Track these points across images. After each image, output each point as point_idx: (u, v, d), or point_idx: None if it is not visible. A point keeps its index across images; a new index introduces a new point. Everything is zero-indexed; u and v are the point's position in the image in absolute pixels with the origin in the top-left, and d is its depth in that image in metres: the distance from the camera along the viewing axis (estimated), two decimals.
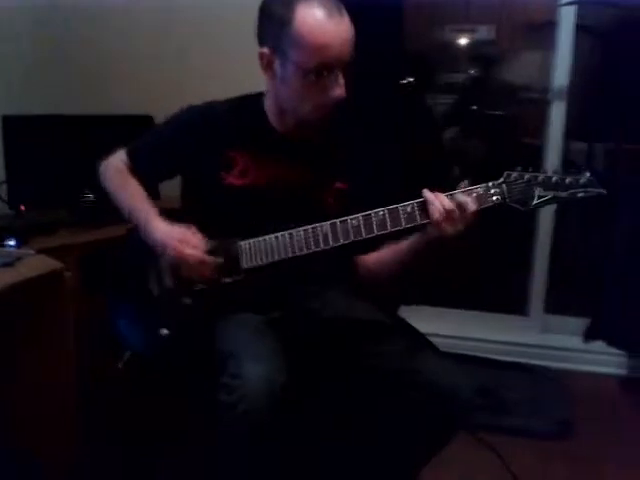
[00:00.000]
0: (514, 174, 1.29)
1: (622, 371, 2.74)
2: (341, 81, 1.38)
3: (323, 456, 1.69)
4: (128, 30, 2.82)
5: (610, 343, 2.74)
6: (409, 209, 1.34)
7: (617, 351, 2.73)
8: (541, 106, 2.78)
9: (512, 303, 3.02)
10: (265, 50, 1.41)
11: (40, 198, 2.50)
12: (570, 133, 2.77)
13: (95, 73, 2.87)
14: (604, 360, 2.76)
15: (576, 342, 2.81)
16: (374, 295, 1.67)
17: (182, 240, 1.44)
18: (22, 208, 2.38)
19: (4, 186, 2.42)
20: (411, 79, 2.88)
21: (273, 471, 1.43)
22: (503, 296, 3.09)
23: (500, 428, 2.29)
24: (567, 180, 1.27)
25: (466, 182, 1.32)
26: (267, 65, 1.43)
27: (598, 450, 2.19)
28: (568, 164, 1.33)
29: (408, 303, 2.76)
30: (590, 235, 2.88)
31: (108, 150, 1.68)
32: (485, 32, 3.22)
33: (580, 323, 2.83)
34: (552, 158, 2.72)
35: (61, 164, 2.51)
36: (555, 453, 2.18)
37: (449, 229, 1.30)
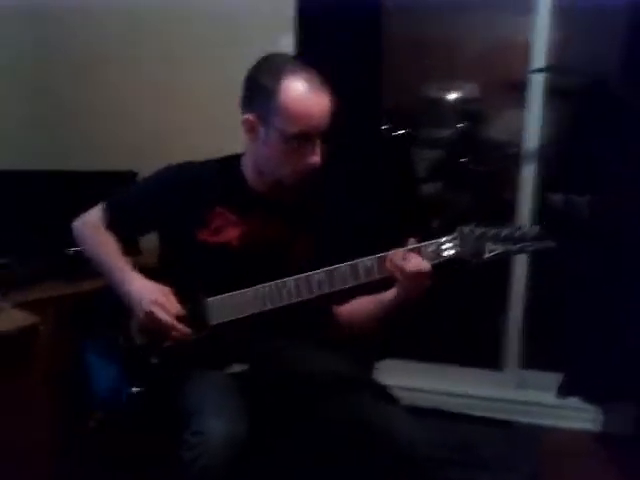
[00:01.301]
0: (466, 229, 1.34)
1: (596, 427, 2.73)
2: (318, 149, 1.48)
3: None
4: (112, 83, 2.91)
5: (585, 399, 2.76)
6: (369, 264, 1.39)
7: (591, 407, 2.73)
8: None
9: (487, 358, 3.02)
10: (250, 116, 1.51)
11: (21, 252, 2.50)
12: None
13: (79, 129, 2.94)
14: (579, 416, 2.75)
15: (551, 397, 2.81)
16: (349, 346, 1.71)
17: (155, 302, 1.48)
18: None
19: None
20: (404, 130, 2.97)
21: None
22: (478, 351, 3.09)
23: None
24: (517, 234, 1.31)
25: (412, 240, 1.38)
26: (250, 129, 1.53)
27: None
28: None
29: (383, 357, 2.77)
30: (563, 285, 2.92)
31: (90, 206, 1.73)
32: (469, 89, 3.32)
33: (555, 378, 2.83)
34: (524, 214, 2.77)
35: (43, 218, 2.54)
36: None
37: (416, 287, 1.37)
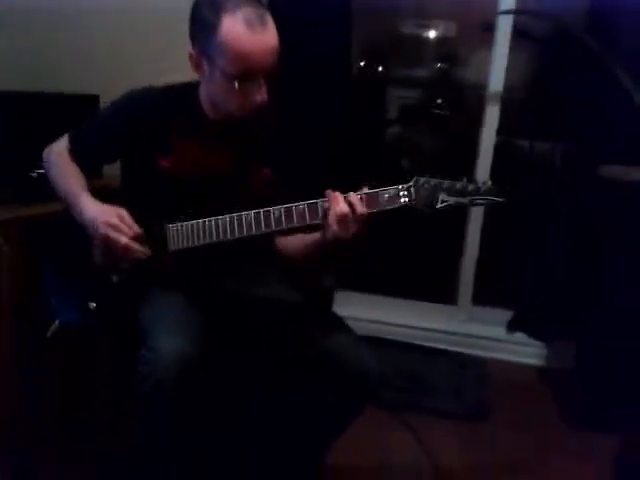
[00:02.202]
0: (422, 179, 1.39)
1: (540, 361, 2.90)
2: (263, 88, 1.47)
3: (236, 428, 1.80)
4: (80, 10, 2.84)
5: (530, 335, 2.92)
6: (326, 205, 1.41)
7: (536, 342, 2.90)
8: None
9: (443, 293, 3.15)
10: (194, 52, 1.49)
11: None
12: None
13: (45, 51, 2.88)
14: (525, 351, 2.92)
15: (500, 332, 2.97)
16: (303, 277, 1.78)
17: (109, 224, 1.51)
18: None
19: None
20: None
21: (190, 438, 1.55)
22: (435, 286, 3.22)
23: (421, 408, 2.43)
24: (469, 187, 1.37)
25: (366, 188, 1.41)
26: (195, 65, 1.51)
27: (513, 434, 2.32)
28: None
29: (337, 288, 2.86)
30: (518, 229, 3.03)
31: (54, 128, 1.73)
32: (445, 28, 3.30)
33: (505, 315, 2.98)
34: (485, 157, 2.83)
35: (7, 141, 2.52)
36: (472, 435, 2.32)
37: (341, 232, 1.38)
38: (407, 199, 1.39)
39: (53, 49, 2.88)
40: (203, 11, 1.45)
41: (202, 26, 1.45)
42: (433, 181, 1.38)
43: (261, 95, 1.48)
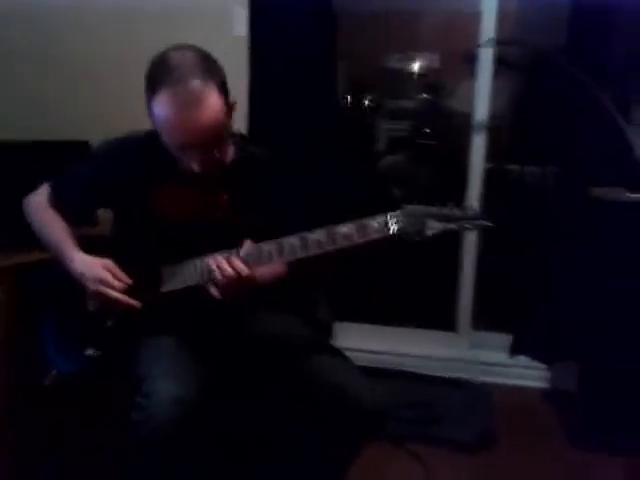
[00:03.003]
0: (410, 207, 1.40)
1: (544, 384, 2.89)
2: (200, 158, 1.49)
3: (239, 468, 1.79)
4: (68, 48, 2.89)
5: (533, 357, 2.91)
6: (319, 237, 1.42)
7: (539, 365, 2.88)
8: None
9: (442, 320, 3.14)
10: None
11: None
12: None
13: (32, 97, 2.93)
14: (528, 374, 2.91)
15: (502, 357, 2.94)
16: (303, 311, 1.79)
17: (99, 280, 1.54)
18: None
19: None
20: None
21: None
22: (434, 313, 3.22)
23: (425, 438, 2.40)
24: (457, 213, 1.39)
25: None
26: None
27: (520, 459, 2.30)
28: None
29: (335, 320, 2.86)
30: (514, 253, 3.04)
31: (46, 175, 1.76)
32: (429, 60, 3.36)
33: (506, 339, 2.96)
34: (474, 184, 2.86)
35: (1, 189, 2.55)
36: (479, 463, 2.29)
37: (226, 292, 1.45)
38: (396, 227, 1.40)
39: (41, 96, 2.92)
40: (150, 73, 1.48)
41: (147, 88, 1.48)
42: (421, 208, 1.40)
43: (197, 166, 1.50)
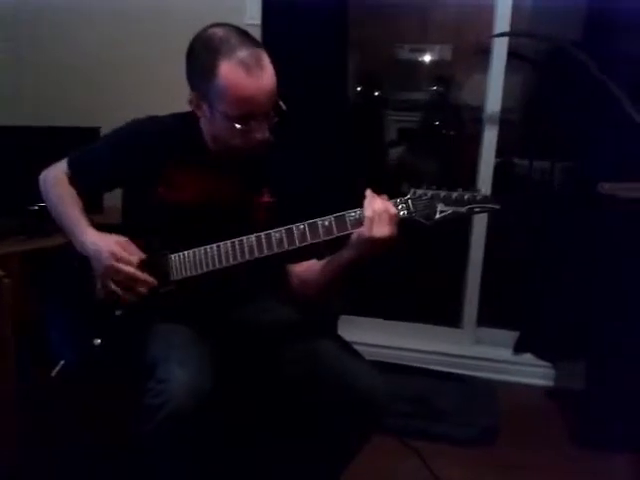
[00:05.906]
0: (419, 191, 1.39)
1: (548, 382, 2.86)
2: (264, 127, 1.48)
3: (248, 458, 1.77)
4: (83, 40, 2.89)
5: (538, 355, 2.89)
6: (327, 223, 1.41)
7: (544, 363, 2.87)
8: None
9: (447, 316, 3.13)
10: (193, 96, 1.51)
11: None
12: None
13: (46, 84, 2.93)
14: (532, 371, 2.89)
15: (506, 354, 2.94)
16: (304, 303, 1.76)
17: (113, 254, 1.51)
18: None
19: None
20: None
21: (199, 472, 1.51)
22: (439, 309, 3.20)
23: (427, 434, 2.38)
24: (466, 197, 1.37)
25: (369, 191, 1.41)
26: (196, 107, 1.53)
27: (523, 456, 2.28)
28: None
29: (344, 313, 2.85)
30: (520, 250, 3.02)
31: (55, 162, 1.73)
32: (441, 52, 3.33)
33: (511, 336, 2.96)
34: (485, 177, 2.83)
35: (8, 175, 2.55)
36: (481, 460, 2.27)
37: (378, 231, 1.36)
38: (406, 212, 1.39)
39: (54, 82, 2.93)
40: (199, 55, 1.47)
41: (199, 70, 1.46)
42: (430, 192, 1.39)
43: (262, 133, 1.49)
